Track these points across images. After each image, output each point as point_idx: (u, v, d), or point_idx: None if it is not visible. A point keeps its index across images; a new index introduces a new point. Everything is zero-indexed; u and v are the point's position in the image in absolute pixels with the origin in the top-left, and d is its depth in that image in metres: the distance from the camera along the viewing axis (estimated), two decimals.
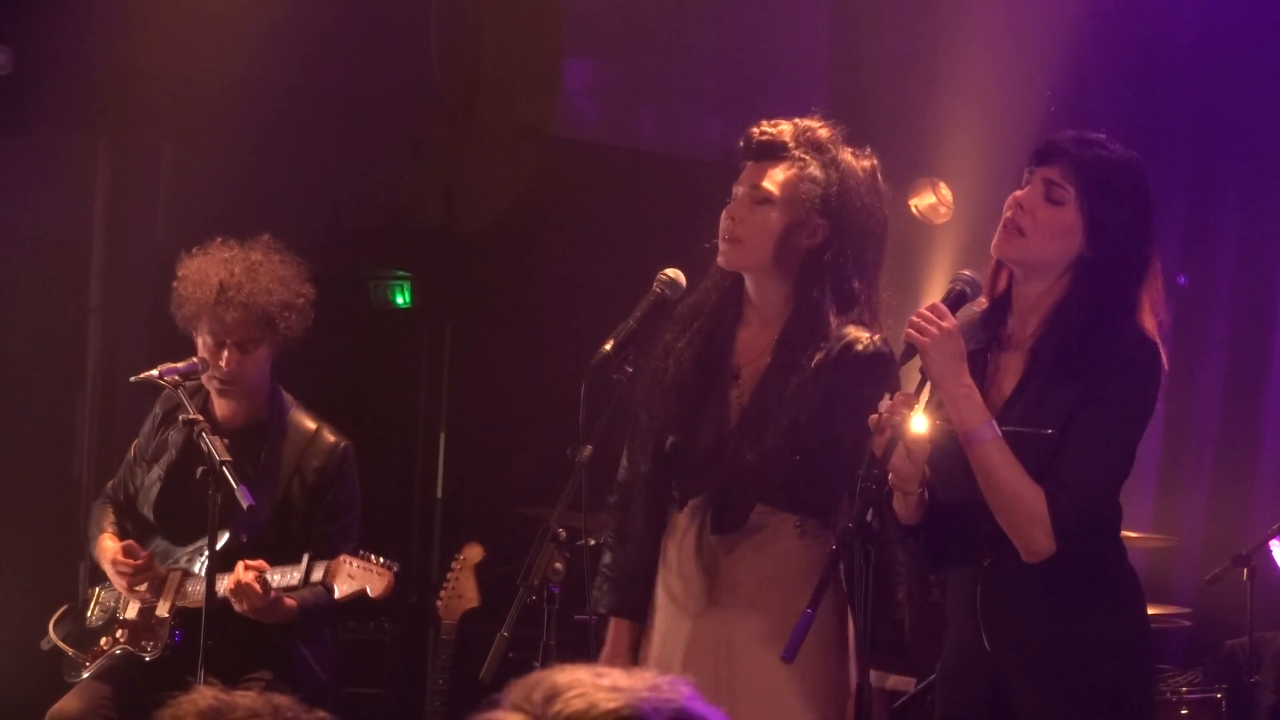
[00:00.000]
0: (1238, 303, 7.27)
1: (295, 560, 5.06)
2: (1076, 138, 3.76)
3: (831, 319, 4.11)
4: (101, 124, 7.14)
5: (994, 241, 3.78)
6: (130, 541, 5.33)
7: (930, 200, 7.31)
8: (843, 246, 4.13)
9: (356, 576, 4.97)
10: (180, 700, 2.04)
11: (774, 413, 4.09)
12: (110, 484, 5.64)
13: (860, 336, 4.09)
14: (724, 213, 4.19)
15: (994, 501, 3.63)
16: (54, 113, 6.91)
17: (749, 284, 4.23)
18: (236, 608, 5.04)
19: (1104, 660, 3.73)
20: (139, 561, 5.27)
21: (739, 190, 4.19)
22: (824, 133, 4.18)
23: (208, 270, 5.32)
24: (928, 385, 3.67)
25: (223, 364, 5.26)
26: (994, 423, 3.63)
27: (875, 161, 4.22)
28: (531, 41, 7.75)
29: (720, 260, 4.19)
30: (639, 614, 4.25)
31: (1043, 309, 3.77)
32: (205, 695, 2.04)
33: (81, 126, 7.12)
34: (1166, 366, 3.74)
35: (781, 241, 4.13)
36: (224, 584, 5.06)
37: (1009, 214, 3.74)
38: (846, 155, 4.18)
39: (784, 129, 4.16)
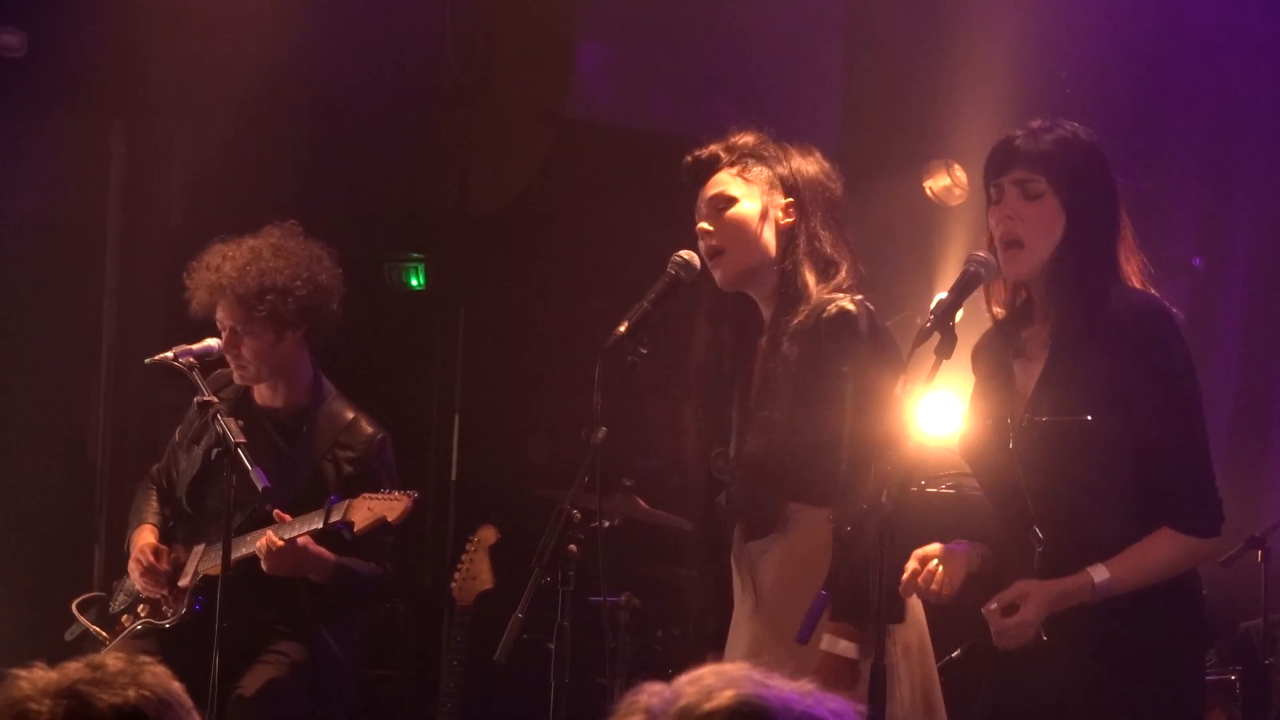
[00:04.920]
0: (1253, 284, 7.24)
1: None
2: (1024, 135, 3.80)
3: (811, 284, 4.10)
4: (116, 107, 7.14)
5: (1003, 270, 3.80)
6: (162, 546, 5.39)
7: (945, 182, 7.29)
8: (810, 214, 4.16)
9: (375, 508, 5.05)
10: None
11: (773, 401, 4.08)
12: (155, 467, 5.69)
13: (828, 303, 4.06)
14: (699, 236, 4.20)
15: (1156, 584, 3.70)
16: (68, 95, 6.91)
17: (749, 288, 4.23)
18: (265, 566, 5.08)
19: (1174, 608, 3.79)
20: (160, 565, 5.32)
21: (701, 211, 4.22)
22: (750, 138, 4.25)
23: (207, 261, 5.38)
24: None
25: (237, 350, 5.32)
26: (1095, 575, 3.66)
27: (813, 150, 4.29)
28: (545, 24, 7.73)
29: (717, 280, 4.18)
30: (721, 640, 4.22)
31: (1049, 299, 3.81)
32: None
33: (96, 109, 7.12)
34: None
35: (759, 229, 4.15)
36: (245, 549, 5.13)
37: (1001, 230, 3.77)
38: (777, 146, 4.25)
39: (712, 146, 4.25)
